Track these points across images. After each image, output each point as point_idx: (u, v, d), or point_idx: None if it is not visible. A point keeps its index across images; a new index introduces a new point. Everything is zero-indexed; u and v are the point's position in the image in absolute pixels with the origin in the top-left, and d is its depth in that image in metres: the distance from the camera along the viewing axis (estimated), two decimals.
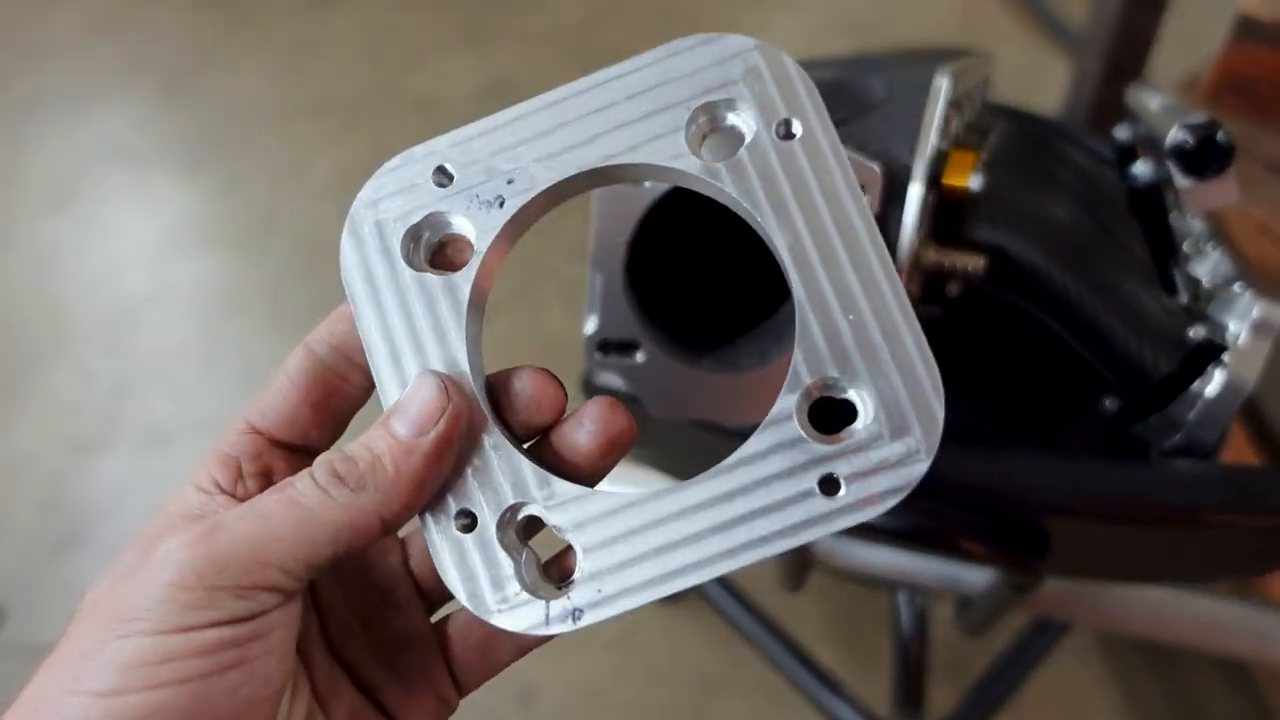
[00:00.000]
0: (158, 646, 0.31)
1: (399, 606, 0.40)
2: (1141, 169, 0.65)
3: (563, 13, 2.27)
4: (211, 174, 2.00)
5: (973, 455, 0.58)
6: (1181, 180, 0.57)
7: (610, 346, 0.51)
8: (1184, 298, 0.65)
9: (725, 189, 0.36)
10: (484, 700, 0.43)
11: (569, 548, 0.37)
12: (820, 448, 0.35)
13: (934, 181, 0.54)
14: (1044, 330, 0.62)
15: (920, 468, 0.35)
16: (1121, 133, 0.81)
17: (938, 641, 1.26)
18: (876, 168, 0.48)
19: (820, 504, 0.35)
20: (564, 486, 0.36)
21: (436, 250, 0.39)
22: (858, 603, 1.37)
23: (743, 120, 0.36)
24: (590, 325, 0.51)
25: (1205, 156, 0.55)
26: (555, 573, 0.38)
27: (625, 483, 0.89)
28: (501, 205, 0.37)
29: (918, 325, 0.35)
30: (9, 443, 1.59)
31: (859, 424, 0.35)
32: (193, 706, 0.31)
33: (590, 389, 0.62)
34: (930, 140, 0.52)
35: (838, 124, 0.52)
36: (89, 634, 0.32)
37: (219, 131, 2.07)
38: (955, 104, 0.56)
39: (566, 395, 0.38)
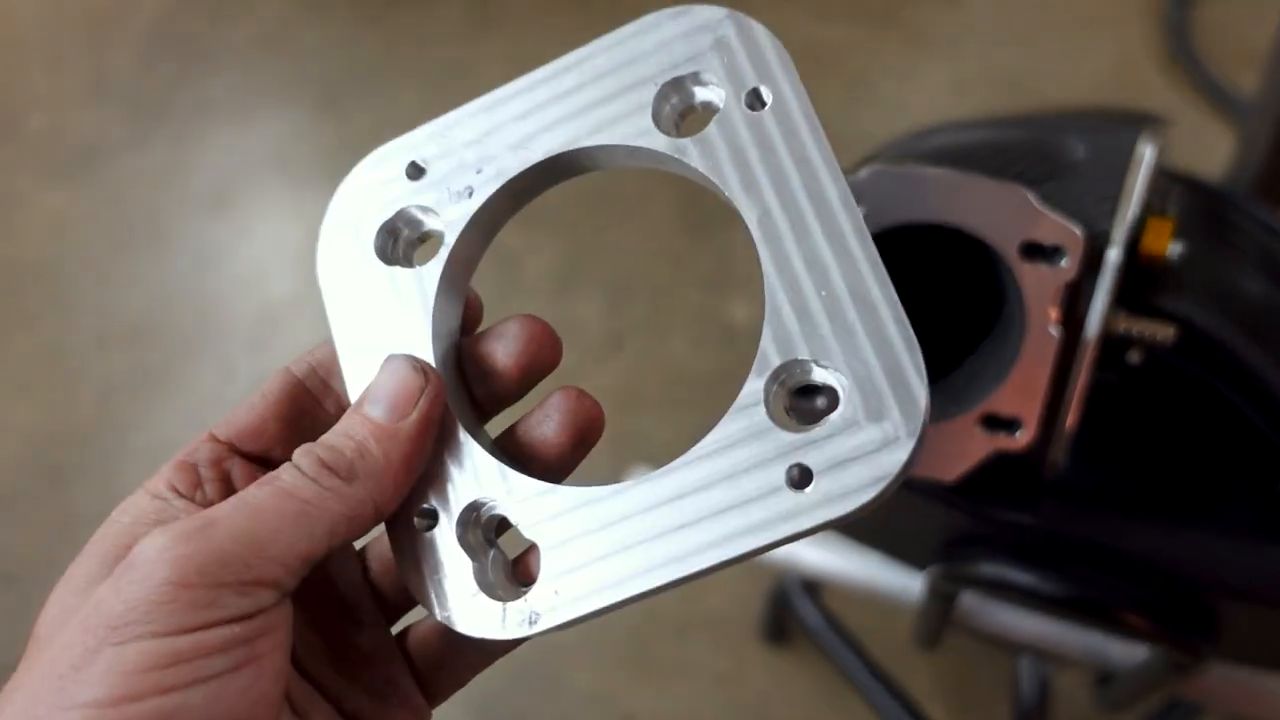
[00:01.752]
0: (164, 649, 0.29)
1: (360, 622, 0.38)
2: None
3: None
4: None
5: (1147, 527, 0.57)
6: None
7: (798, 391, 0.52)
8: None
9: (693, 164, 0.34)
10: None
11: (534, 547, 0.34)
12: (789, 436, 0.31)
13: (1131, 247, 0.53)
14: (1223, 403, 0.60)
15: (900, 455, 0.31)
16: None
17: (1058, 713, 1.22)
18: (1078, 231, 0.48)
19: (789, 499, 0.31)
20: (523, 482, 0.34)
21: (416, 245, 0.38)
22: (974, 663, 1.34)
23: (713, 94, 0.35)
24: None
25: None
26: (520, 573, 0.35)
27: None
28: (470, 195, 0.36)
29: (896, 299, 0.32)
30: (154, 430, 1.67)
31: (830, 406, 0.32)
32: (209, 709, 0.29)
33: None
34: (1133, 207, 0.52)
35: (1034, 182, 0.52)
36: (70, 646, 0.29)
37: (369, 146, 2.13)
38: (1156, 191, 0.55)
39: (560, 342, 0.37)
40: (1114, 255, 0.51)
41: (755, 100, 0.34)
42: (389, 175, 0.37)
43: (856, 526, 0.80)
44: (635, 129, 0.35)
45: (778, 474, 0.31)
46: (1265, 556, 0.57)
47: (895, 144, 0.57)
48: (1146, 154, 0.53)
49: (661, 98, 0.35)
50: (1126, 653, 0.73)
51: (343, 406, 0.38)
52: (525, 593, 0.34)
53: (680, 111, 0.35)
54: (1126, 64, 2.14)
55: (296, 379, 0.38)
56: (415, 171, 0.37)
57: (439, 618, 0.35)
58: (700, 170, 0.34)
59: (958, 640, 1.28)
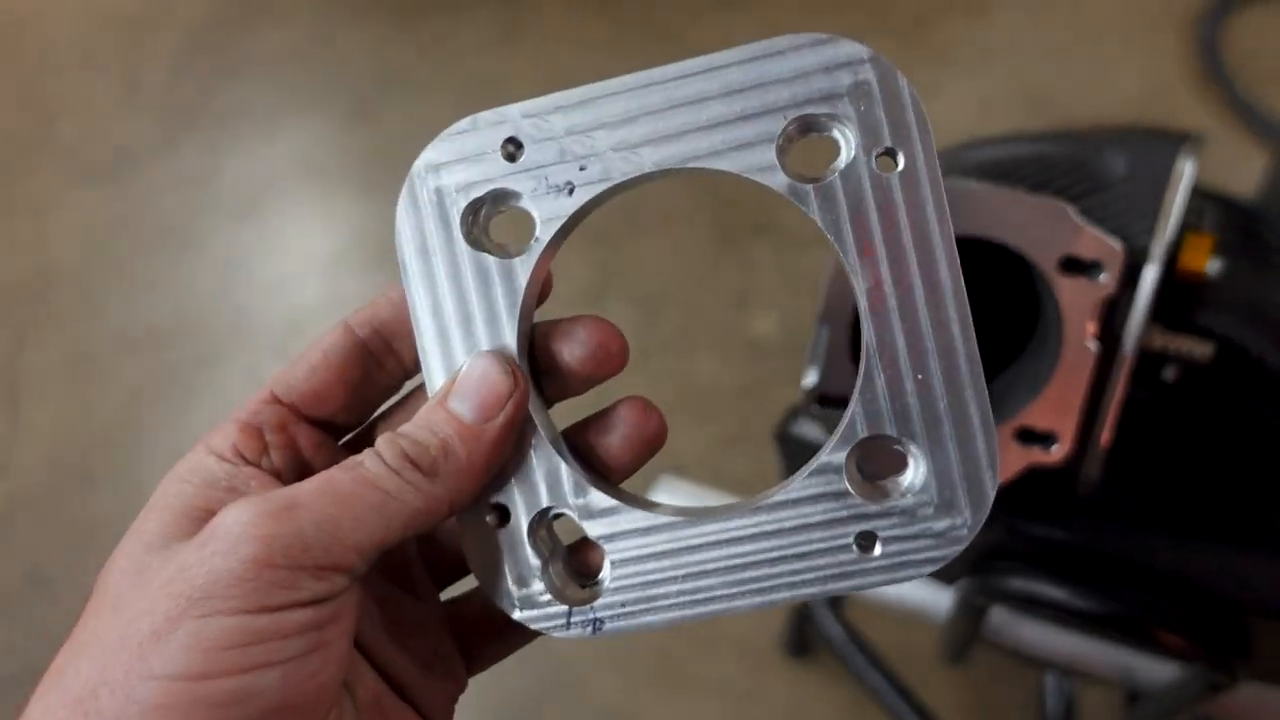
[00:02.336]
0: (245, 626, 0.29)
1: (412, 589, 0.38)
2: None
3: None
4: (388, 195, 2.07)
5: (1182, 545, 0.57)
6: None
7: (829, 401, 0.52)
8: None
9: (810, 213, 0.33)
10: None
11: (591, 543, 0.36)
12: (865, 504, 0.33)
13: (1169, 264, 0.53)
14: (1260, 420, 0.60)
15: (961, 545, 0.33)
16: None
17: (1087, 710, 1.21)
18: (1118, 246, 0.48)
19: (854, 559, 0.34)
20: (600, 498, 0.35)
21: (498, 229, 0.37)
22: (997, 679, 1.33)
23: (841, 137, 0.33)
24: (810, 378, 0.52)
25: None
26: (576, 564, 0.37)
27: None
28: (571, 193, 0.35)
29: (986, 397, 0.33)
30: (179, 432, 1.68)
31: (906, 485, 0.34)
32: (282, 691, 0.29)
33: (786, 439, 0.62)
34: (1172, 223, 0.52)
35: (1075, 198, 0.52)
36: (151, 611, 0.29)
37: (399, 155, 2.15)
38: (1192, 209, 0.55)
39: (628, 347, 0.37)
40: (1152, 271, 0.51)
41: (887, 160, 0.33)
42: (482, 147, 0.35)
43: None
44: (758, 161, 0.33)
45: (847, 535, 0.34)
46: None
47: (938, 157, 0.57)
48: (1187, 170, 0.53)
49: (788, 132, 0.33)
50: (1153, 670, 0.72)
51: (403, 369, 0.38)
52: (590, 596, 0.35)
53: (794, 137, 0.34)
54: (1157, 82, 2.13)
55: (359, 340, 0.37)
56: (512, 151, 0.35)
57: (508, 612, 0.36)
58: (817, 221, 0.33)
59: (982, 655, 1.27)
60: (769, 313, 1.75)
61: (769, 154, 0.33)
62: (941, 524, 0.33)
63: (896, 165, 0.32)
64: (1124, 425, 0.61)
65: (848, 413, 0.34)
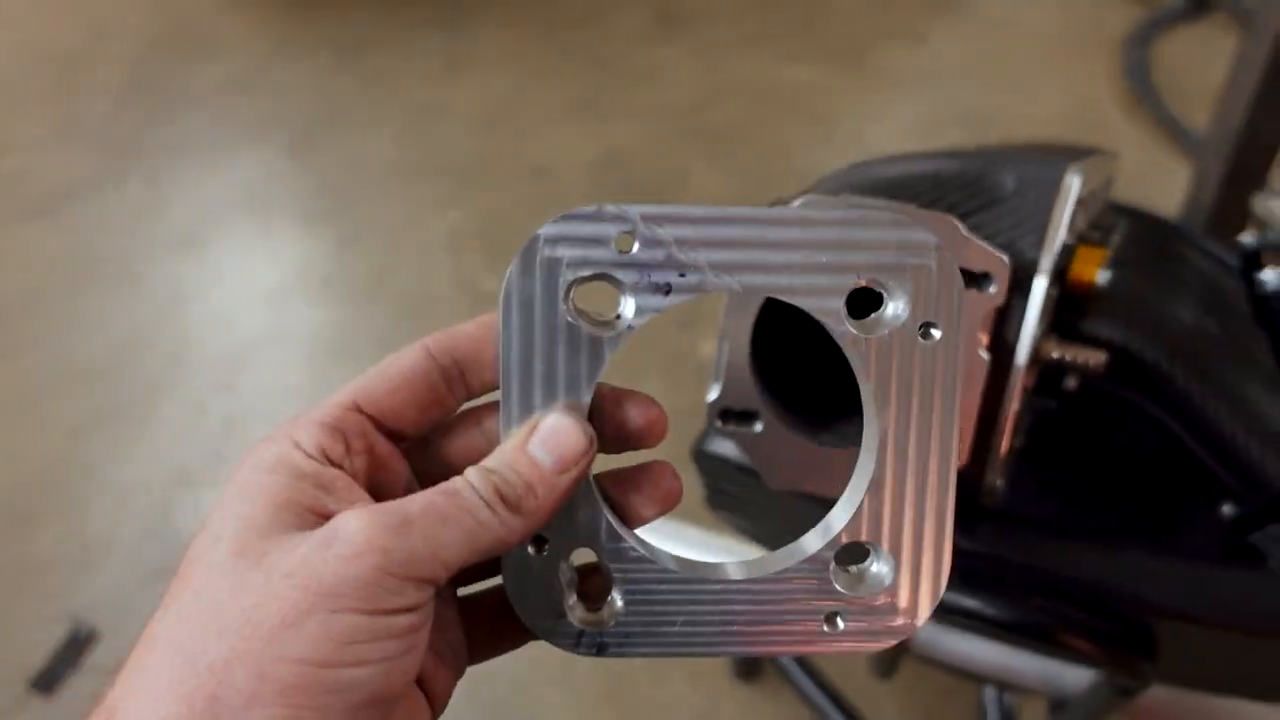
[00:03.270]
0: (365, 625, 0.33)
1: (439, 591, 0.42)
2: (1271, 276, 0.64)
3: (675, 91, 2.32)
4: (331, 227, 2.08)
5: (1089, 552, 0.58)
6: None
7: (730, 415, 0.52)
8: None
9: (859, 360, 0.39)
10: None
11: (598, 569, 0.42)
12: (841, 592, 0.41)
13: (1059, 276, 0.54)
14: (1161, 428, 0.61)
15: (906, 636, 0.41)
16: (1249, 240, 0.81)
17: None
18: (1004, 258, 0.49)
19: (820, 631, 0.41)
20: (631, 549, 0.41)
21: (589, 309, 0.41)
22: (941, 693, 1.34)
23: (900, 308, 0.39)
24: (713, 393, 0.52)
25: None
26: (584, 588, 0.42)
27: (699, 546, 0.89)
28: (667, 294, 0.39)
29: (952, 528, 0.40)
30: (122, 470, 1.66)
31: (875, 584, 0.41)
32: (384, 685, 0.34)
33: (701, 456, 0.63)
34: (1058, 235, 0.53)
35: (967, 215, 0.53)
36: (280, 599, 0.33)
37: (342, 187, 2.16)
38: (1082, 201, 0.56)
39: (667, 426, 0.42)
40: (1041, 282, 0.53)
41: (929, 331, 0.39)
42: (600, 235, 0.39)
43: None
44: (827, 306, 0.39)
45: (820, 614, 0.41)
46: (1204, 579, 0.58)
47: (834, 175, 0.58)
48: (1074, 185, 0.55)
49: (857, 291, 0.39)
50: (1078, 678, 0.73)
51: (467, 395, 0.42)
52: (596, 620, 0.41)
53: (863, 305, 0.40)
54: (1089, 102, 2.18)
55: (438, 366, 0.41)
56: (625, 245, 0.39)
57: (530, 626, 0.42)
58: (867, 371, 0.39)
59: (925, 671, 1.28)
60: (714, 334, 1.77)
61: (838, 303, 0.39)
62: (897, 621, 0.41)
63: (935, 337, 0.39)
64: (1031, 435, 0.62)
65: (846, 519, 0.40)
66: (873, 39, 2.37)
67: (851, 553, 0.41)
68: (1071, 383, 0.59)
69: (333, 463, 0.38)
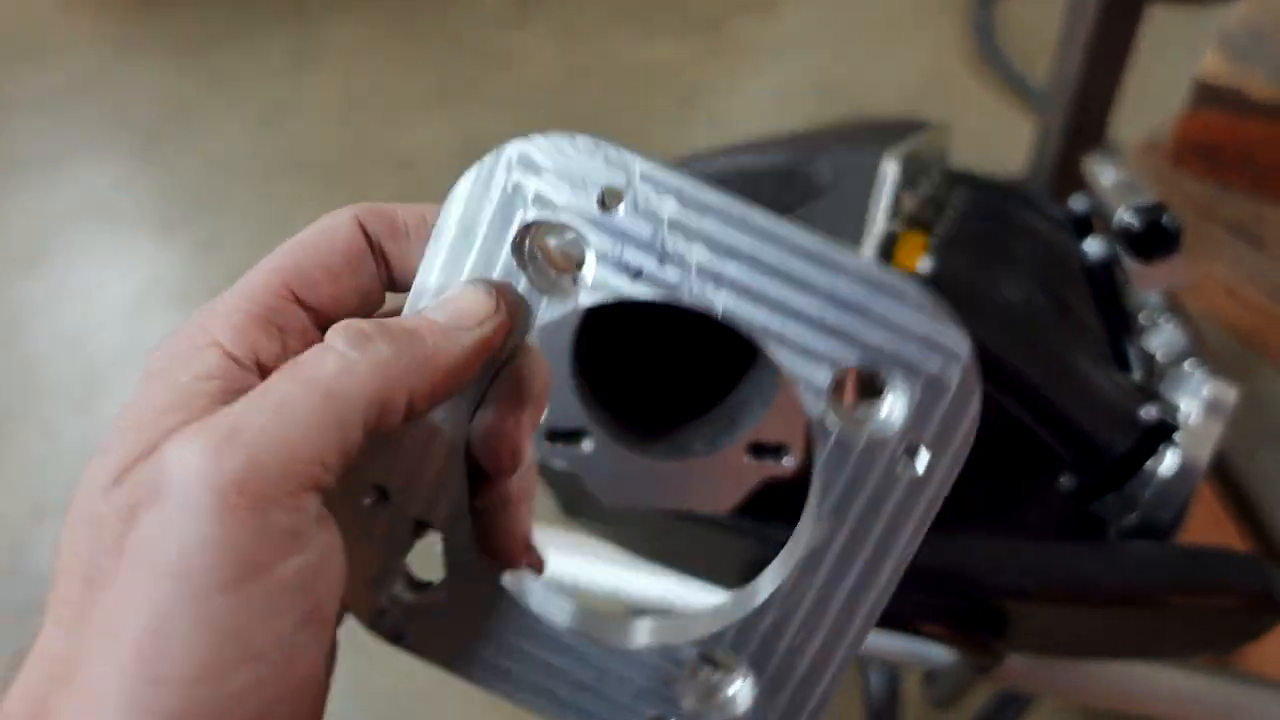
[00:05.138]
0: (246, 603, 0.25)
1: None
2: (1093, 246, 0.65)
3: (536, 73, 2.29)
4: (189, 233, 2.00)
5: (936, 539, 0.58)
6: (1129, 262, 0.57)
7: (557, 436, 0.51)
8: (1137, 373, 0.65)
9: (826, 453, 0.31)
10: None
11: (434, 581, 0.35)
12: (679, 701, 0.34)
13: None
14: (997, 407, 0.62)
15: None
16: (1078, 204, 0.82)
17: (909, 700, 1.24)
18: None
19: None
20: (470, 547, 0.34)
21: (543, 260, 0.33)
22: None
23: (888, 405, 0.31)
24: None
25: (1153, 240, 0.55)
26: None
27: (575, 551, 0.88)
28: (634, 279, 0.31)
29: (842, 676, 0.34)
30: None
31: (726, 708, 0.34)
32: (288, 672, 0.26)
33: (545, 470, 0.61)
34: (878, 225, 0.52)
35: (785, 209, 0.52)
36: (136, 595, 0.25)
37: (197, 190, 2.07)
38: (909, 184, 0.56)
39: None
40: None
41: (909, 457, 0.31)
42: (585, 176, 0.31)
43: (664, 555, 0.80)
44: (810, 374, 0.31)
45: (648, 713, 0.34)
46: (1043, 555, 0.59)
47: None
48: (891, 170, 0.54)
49: (837, 384, 0.31)
50: (942, 652, 0.74)
51: (390, 285, 0.33)
52: (413, 610, 0.34)
53: (842, 385, 0.32)
54: (939, 64, 2.22)
55: (372, 245, 0.32)
56: (609, 202, 0.31)
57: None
58: (831, 470, 0.32)
59: None
60: None
61: (824, 374, 0.31)
62: None
63: (916, 467, 0.31)
64: None
65: (732, 620, 0.33)
66: (728, 12, 2.37)
67: (718, 658, 0.34)
68: None
69: (262, 365, 0.29)
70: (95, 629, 0.25)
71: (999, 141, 1.91)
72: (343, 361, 0.27)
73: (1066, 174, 1.36)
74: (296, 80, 2.31)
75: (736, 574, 0.66)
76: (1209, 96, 1.23)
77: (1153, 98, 1.46)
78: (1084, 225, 0.82)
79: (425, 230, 0.32)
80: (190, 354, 0.28)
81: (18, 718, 0.25)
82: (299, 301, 0.31)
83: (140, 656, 0.24)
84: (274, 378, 0.27)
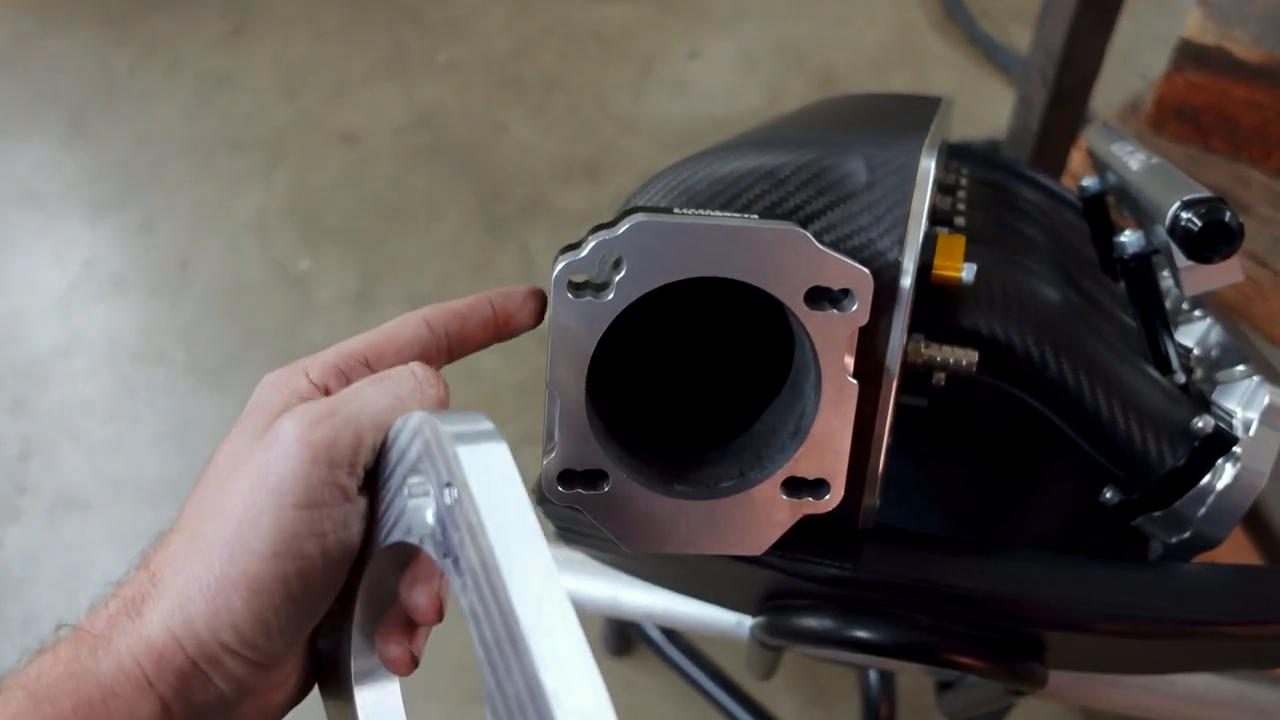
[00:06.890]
0: (306, 520, 0.36)
1: None
2: (1131, 239, 0.60)
3: (489, 40, 2.20)
4: (123, 215, 1.89)
5: (965, 562, 0.53)
6: (1182, 261, 0.53)
7: (575, 478, 0.45)
8: (1178, 371, 0.60)
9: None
10: None
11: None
12: None
13: (922, 270, 0.49)
14: (1036, 417, 0.57)
15: None
16: (1090, 183, 0.77)
17: (904, 687, 1.22)
18: (866, 272, 0.43)
19: None
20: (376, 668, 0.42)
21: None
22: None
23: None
24: (549, 455, 0.45)
25: (1214, 240, 0.51)
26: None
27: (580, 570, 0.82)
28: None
29: None
30: None
31: None
32: (324, 572, 0.38)
33: (547, 503, 0.56)
34: (919, 231, 0.47)
35: (815, 214, 0.47)
36: (242, 495, 0.37)
37: (129, 171, 1.96)
38: (944, 187, 0.51)
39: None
40: (906, 286, 0.47)
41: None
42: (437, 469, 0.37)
43: (675, 581, 0.75)
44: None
45: None
46: (1081, 579, 0.54)
47: (657, 180, 0.50)
48: (930, 171, 0.49)
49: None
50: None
51: (449, 361, 0.47)
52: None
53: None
54: (905, 26, 2.16)
55: (434, 339, 0.45)
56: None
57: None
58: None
59: None
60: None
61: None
62: None
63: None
64: (900, 435, 0.57)
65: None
66: None
67: None
68: (940, 379, 0.54)
69: (329, 393, 0.41)
70: (212, 517, 0.37)
71: (968, 104, 1.87)
72: (415, 383, 0.41)
73: (1048, 140, 1.32)
74: (234, 51, 2.20)
75: (756, 604, 0.61)
76: (1191, 57, 1.19)
77: (1120, 56, 1.41)
78: (1096, 205, 0.77)
79: (480, 311, 0.47)
80: (291, 376, 0.42)
81: (157, 560, 0.38)
82: (368, 365, 0.43)
83: (239, 532, 0.36)
84: (363, 382, 0.41)
